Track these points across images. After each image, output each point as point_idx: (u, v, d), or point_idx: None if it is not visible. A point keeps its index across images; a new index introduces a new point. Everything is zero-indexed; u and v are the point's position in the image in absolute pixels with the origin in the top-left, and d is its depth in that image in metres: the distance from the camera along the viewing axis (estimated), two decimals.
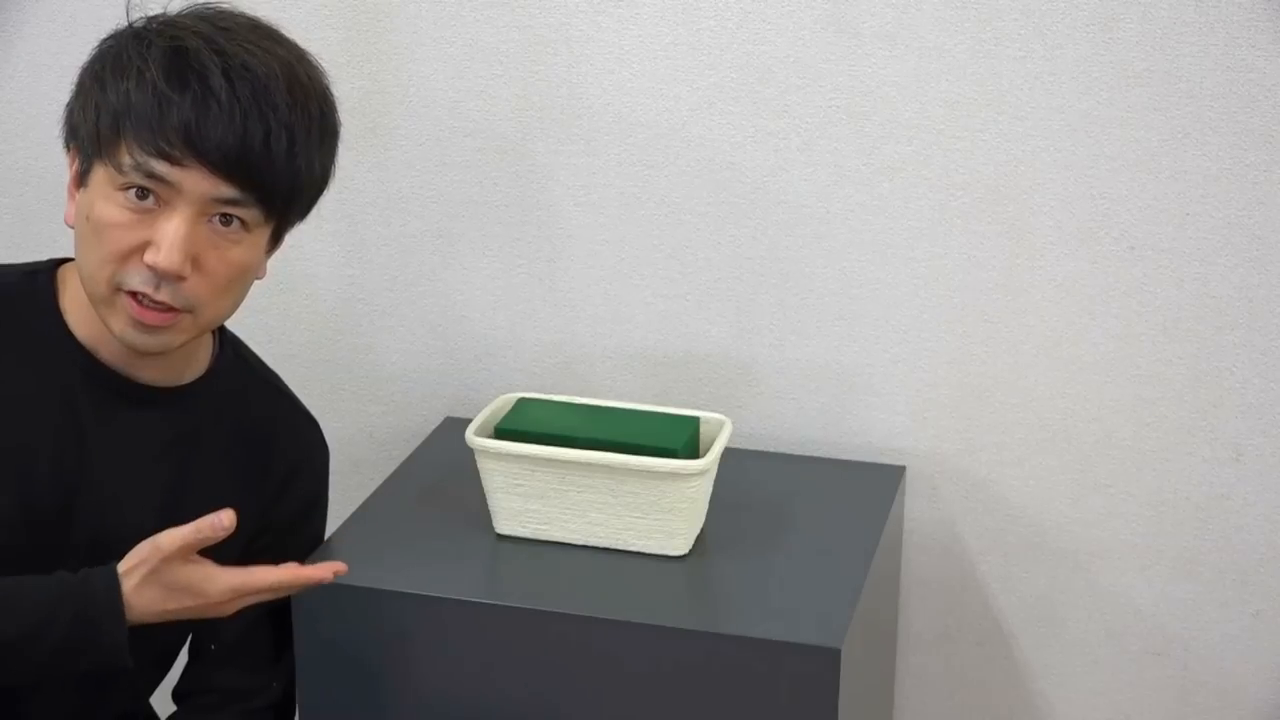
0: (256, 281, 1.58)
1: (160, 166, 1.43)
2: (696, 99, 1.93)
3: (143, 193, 1.45)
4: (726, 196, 1.96)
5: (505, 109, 1.99)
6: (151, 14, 1.52)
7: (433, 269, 2.07)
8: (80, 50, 2.07)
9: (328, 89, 1.54)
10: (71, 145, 1.52)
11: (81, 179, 1.49)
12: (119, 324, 1.48)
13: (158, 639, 1.65)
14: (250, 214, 1.49)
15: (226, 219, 1.48)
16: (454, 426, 1.99)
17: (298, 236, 2.06)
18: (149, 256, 1.45)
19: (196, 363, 1.61)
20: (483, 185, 2.02)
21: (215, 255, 1.48)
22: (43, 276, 1.57)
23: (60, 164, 2.18)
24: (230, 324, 2.08)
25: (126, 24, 1.51)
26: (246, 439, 1.65)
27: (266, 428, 1.67)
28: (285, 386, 1.72)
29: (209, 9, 1.52)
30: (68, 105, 1.52)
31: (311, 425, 1.72)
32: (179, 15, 1.50)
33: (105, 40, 1.52)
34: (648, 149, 1.96)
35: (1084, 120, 1.84)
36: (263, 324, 2.10)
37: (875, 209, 1.92)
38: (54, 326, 1.54)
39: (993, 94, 1.85)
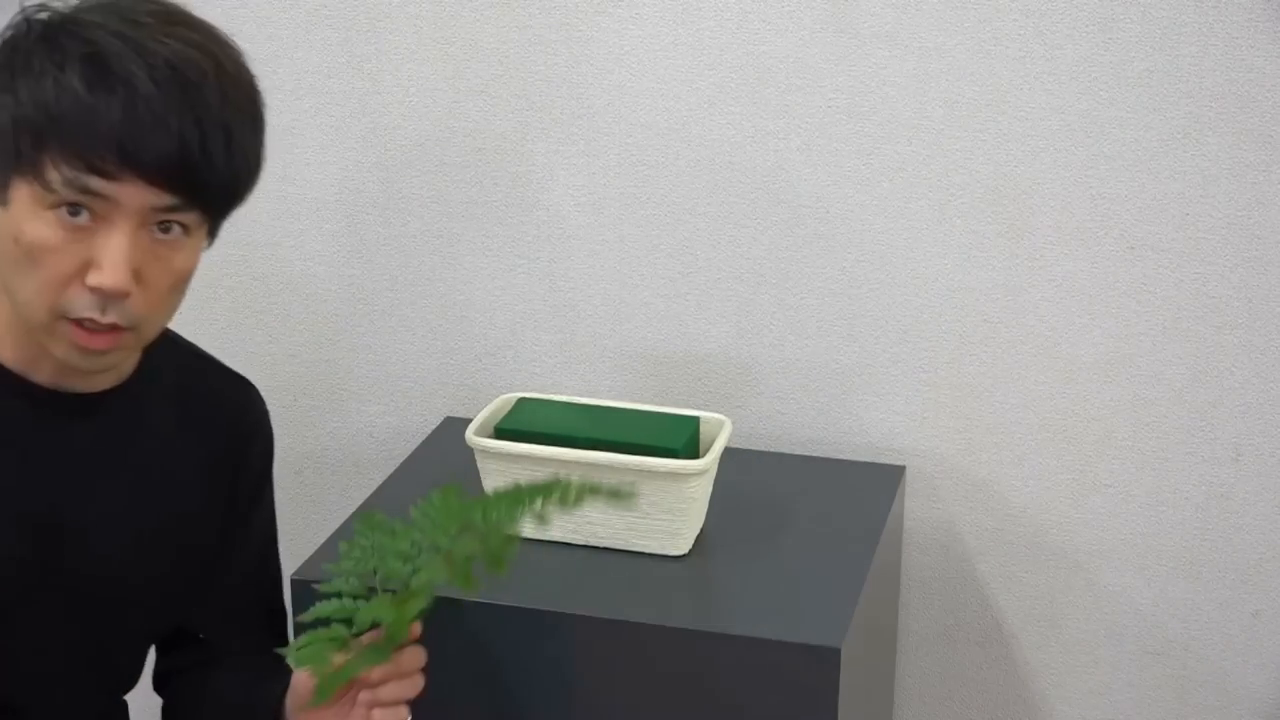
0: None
1: (94, 182, 1.32)
2: (696, 99, 1.93)
3: (75, 209, 1.33)
4: (726, 196, 1.96)
5: (505, 109, 1.99)
6: (35, 1, 1.39)
7: (433, 269, 2.07)
8: None
9: (250, 72, 1.41)
10: None
11: None
12: (62, 350, 1.39)
13: (124, 656, 1.61)
14: (191, 218, 1.39)
15: (166, 226, 1.37)
16: (454, 426, 1.99)
17: (298, 236, 2.07)
18: (93, 279, 1.34)
19: (132, 356, 1.51)
20: (483, 185, 2.02)
21: (158, 266, 1.38)
22: None
23: None
24: (231, 325, 2.09)
25: (20, 16, 1.37)
26: (197, 418, 1.57)
27: (212, 401, 1.59)
28: (209, 354, 1.64)
29: None
30: None
31: (248, 387, 1.64)
32: (78, 10, 1.37)
33: None
34: (648, 149, 1.96)
35: (1084, 120, 1.84)
36: (263, 324, 2.10)
37: (875, 209, 1.92)
38: None
39: (993, 94, 1.86)
